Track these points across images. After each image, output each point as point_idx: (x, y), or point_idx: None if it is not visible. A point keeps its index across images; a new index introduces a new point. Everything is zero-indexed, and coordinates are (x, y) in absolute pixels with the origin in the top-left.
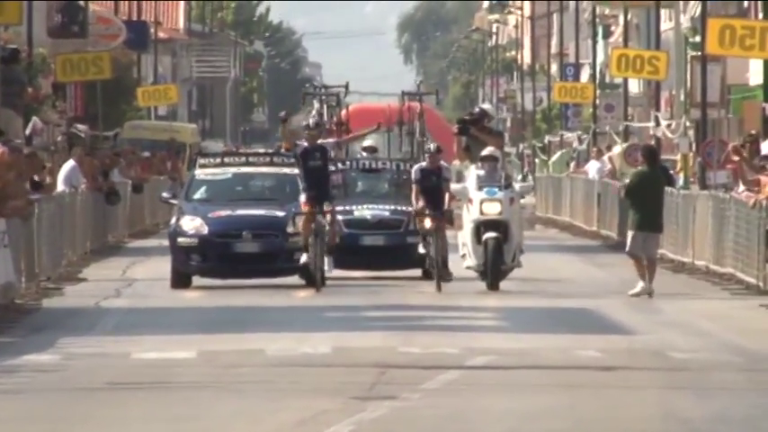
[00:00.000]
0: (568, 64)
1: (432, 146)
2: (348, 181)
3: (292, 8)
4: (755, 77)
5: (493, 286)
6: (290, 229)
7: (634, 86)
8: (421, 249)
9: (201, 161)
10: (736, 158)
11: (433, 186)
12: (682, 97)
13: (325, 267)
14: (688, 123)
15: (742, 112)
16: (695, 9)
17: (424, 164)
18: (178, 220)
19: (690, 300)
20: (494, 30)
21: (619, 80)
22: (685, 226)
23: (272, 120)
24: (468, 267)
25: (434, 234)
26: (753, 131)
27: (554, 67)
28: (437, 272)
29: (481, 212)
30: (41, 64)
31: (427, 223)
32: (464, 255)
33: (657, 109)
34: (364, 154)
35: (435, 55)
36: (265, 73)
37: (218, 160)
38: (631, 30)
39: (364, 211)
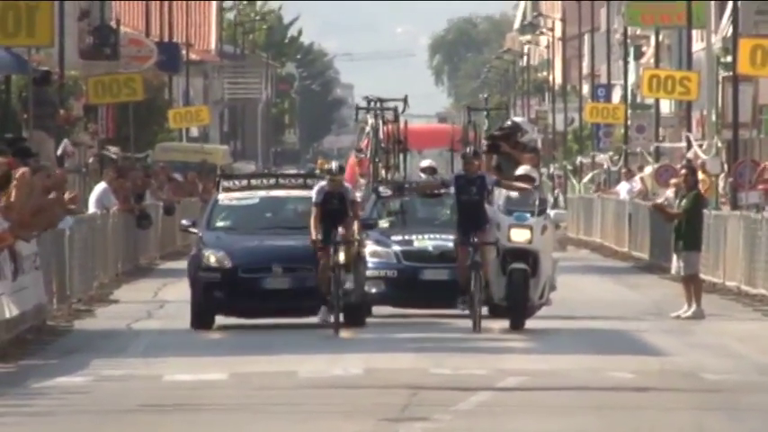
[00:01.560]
0: (600, 85)
1: (469, 149)
2: (406, 207)
3: (324, 30)
4: None
5: (516, 325)
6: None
7: (665, 107)
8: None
9: (225, 184)
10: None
11: (473, 202)
12: (713, 118)
13: (320, 315)
14: (720, 144)
15: None
16: (726, 29)
17: (461, 172)
18: (199, 251)
19: (721, 321)
20: (525, 51)
21: (650, 101)
22: (717, 247)
23: (304, 141)
24: (489, 299)
25: (476, 266)
26: None
27: (585, 88)
28: (477, 310)
29: (509, 239)
30: (73, 86)
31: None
32: (488, 285)
33: (689, 129)
34: (423, 175)
35: (467, 76)
36: (297, 95)
37: (244, 183)
38: (663, 50)
39: (425, 242)
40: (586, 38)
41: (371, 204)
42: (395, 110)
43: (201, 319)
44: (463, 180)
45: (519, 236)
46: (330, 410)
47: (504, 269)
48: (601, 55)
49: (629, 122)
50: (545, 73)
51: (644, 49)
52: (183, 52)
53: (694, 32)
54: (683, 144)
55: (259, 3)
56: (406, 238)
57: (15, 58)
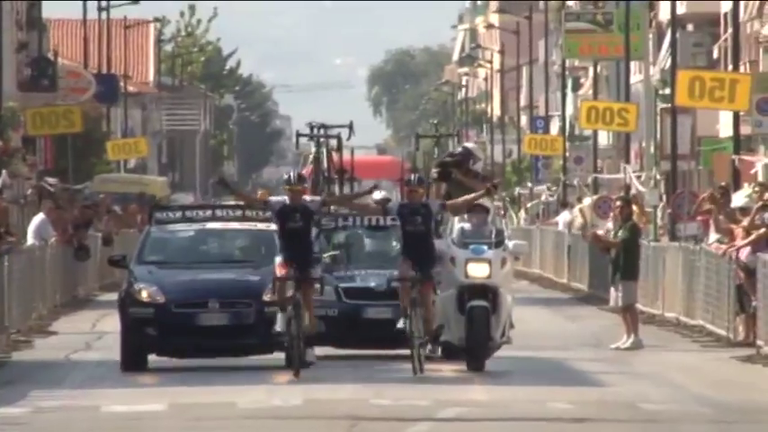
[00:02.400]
0: (538, 116)
1: (413, 176)
2: (351, 240)
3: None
4: (725, 129)
5: (476, 366)
6: (266, 297)
7: (604, 138)
8: (400, 324)
9: (158, 215)
10: (709, 207)
11: (418, 234)
12: (652, 149)
13: (309, 356)
14: (658, 175)
15: (712, 163)
16: (665, 61)
17: (404, 201)
18: (129, 286)
19: (660, 352)
20: (463, 82)
21: (588, 132)
22: (655, 277)
23: (243, 172)
24: (446, 342)
25: (415, 302)
26: (723, 183)
27: (524, 120)
28: (416, 351)
29: (466, 275)
30: (11, 117)
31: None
32: (441, 326)
33: (627, 161)
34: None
35: (405, 107)
36: (235, 126)
37: (179, 215)
38: (601, 82)
39: (368, 278)
40: (525, 70)
41: (313, 238)
42: (338, 137)
43: (132, 358)
44: (407, 210)
45: (477, 271)
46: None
47: (461, 307)
48: (539, 87)
49: (567, 154)
50: (483, 105)
51: (582, 80)
52: (122, 84)
53: (632, 64)
54: (622, 175)
55: (197, 34)
56: (349, 274)
57: None
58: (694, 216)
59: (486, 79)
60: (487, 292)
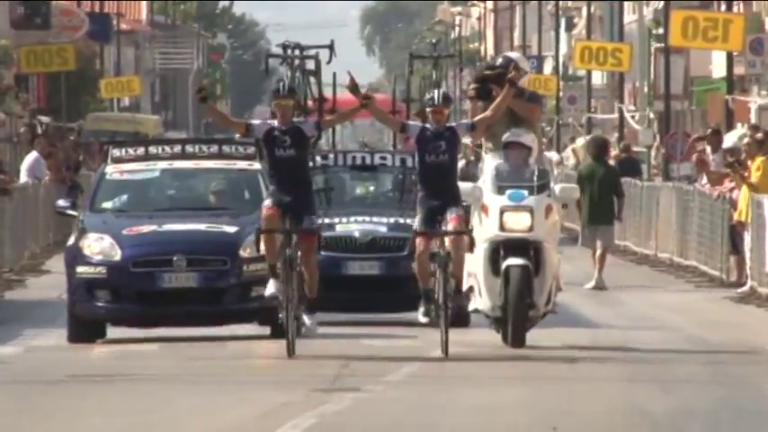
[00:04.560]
0: (531, 56)
1: (436, 93)
2: (331, 182)
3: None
4: (718, 70)
5: (515, 341)
6: (244, 253)
7: (597, 78)
8: (422, 318)
9: (115, 153)
10: (702, 147)
11: (441, 165)
12: (645, 89)
13: (308, 324)
14: (651, 115)
15: (705, 104)
16: (658, 1)
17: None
18: (78, 240)
19: (653, 292)
20: (457, 22)
21: (582, 72)
22: (648, 218)
23: (235, 111)
24: (475, 311)
25: (441, 260)
26: (713, 125)
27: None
28: (443, 319)
29: (501, 227)
30: (4, 55)
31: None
32: (470, 290)
33: (621, 101)
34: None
35: (398, 47)
36: (228, 65)
37: (140, 152)
38: (594, 22)
39: (351, 226)
40: (518, 9)
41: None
42: (316, 59)
43: (81, 329)
44: (429, 134)
45: (516, 222)
46: (261, 381)
47: (495, 267)
48: (532, 26)
49: (560, 94)
50: (477, 44)
51: (576, 20)
52: (115, 22)
53: (626, 4)
54: (615, 115)
55: None
56: (327, 221)
57: None
58: (687, 156)
59: (479, 19)
60: (528, 248)
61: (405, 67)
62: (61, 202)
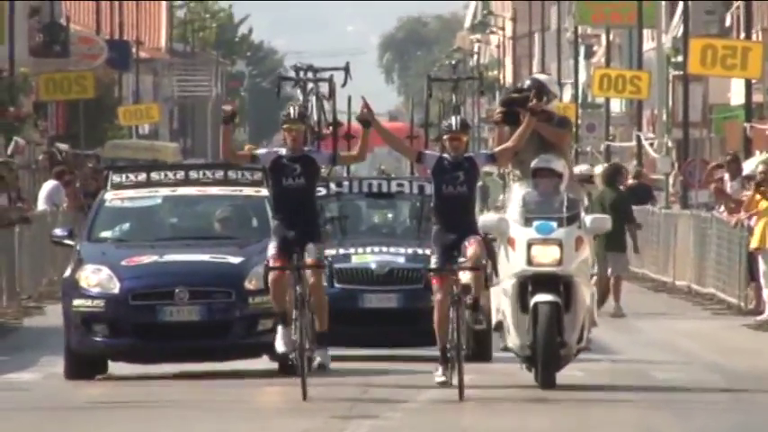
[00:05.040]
0: None
1: (453, 120)
2: (347, 211)
3: (274, 28)
4: (737, 97)
5: (545, 382)
6: (250, 284)
7: (616, 106)
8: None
9: (115, 179)
10: (720, 176)
11: (458, 198)
12: (664, 117)
13: (315, 363)
14: (670, 143)
15: (723, 131)
16: (677, 29)
17: (444, 153)
18: (74, 271)
19: (671, 319)
20: (475, 49)
21: (601, 100)
22: (666, 245)
23: (254, 139)
24: (505, 349)
25: (459, 300)
26: (731, 151)
27: None
28: (461, 367)
29: (529, 261)
30: (23, 83)
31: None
32: (499, 327)
33: (639, 128)
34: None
35: (417, 75)
36: (247, 92)
37: (142, 177)
38: (613, 49)
39: (367, 257)
40: (537, 37)
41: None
42: (331, 82)
43: (79, 365)
44: (446, 165)
45: (544, 256)
46: (279, 407)
47: (524, 304)
48: (551, 54)
49: (579, 121)
50: (495, 72)
51: (595, 48)
52: (134, 50)
53: (645, 32)
54: (634, 143)
55: (209, 1)
56: (342, 252)
57: None
58: (705, 184)
59: (498, 46)
60: (558, 283)
61: (423, 92)
62: (57, 232)
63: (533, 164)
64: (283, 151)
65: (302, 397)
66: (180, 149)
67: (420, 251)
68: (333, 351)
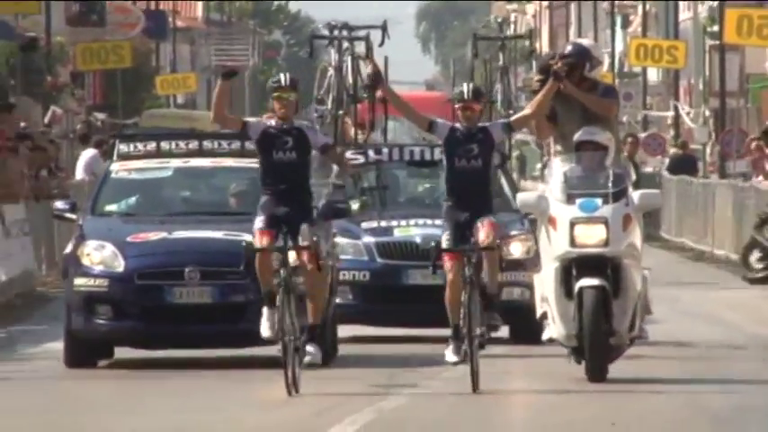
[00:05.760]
0: None
1: (465, 86)
2: (386, 181)
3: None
4: None
5: (594, 374)
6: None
7: (653, 75)
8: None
9: (123, 148)
10: (755, 147)
11: (472, 172)
12: (700, 87)
13: (307, 358)
14: (707, 113)
15: (760, 101)
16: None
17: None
18: (76, 247)
19: (710, 289)
20: (512, 19)
21: (637, 69)
22: (705, 215)
23: None
24: (549, 340)
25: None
26: None
27: None
28: (476, 356)
29: (572, 242)
30: (60, 52)
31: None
32: (544, 316)
33: (676, 98)
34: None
35: (453, 44)
36: (284, 61)
37: (151, 147)
38: (650, 19)
39: (411, 230)
40: (573, 6)
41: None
42: (368, 41)
43: (80, 350)
44: (459, 136)
45: (588, 236)
46: (316, 377)
47: (568, 289)
48: (588, 24)
49: None
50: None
51: (631, 18)
52: (170, 19)
53: (681, 2)
54: (671, 113)
55: None
56: (384, 225)
57: (2, 24)
58: (743, 155)
59: (534, 16)
60: (605, 265)
61: (460, 65)
62: (59, 204)
63: (576, 136)
64: (273, 122)
65: (287, 392)
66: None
67: None
68: (371, 330)
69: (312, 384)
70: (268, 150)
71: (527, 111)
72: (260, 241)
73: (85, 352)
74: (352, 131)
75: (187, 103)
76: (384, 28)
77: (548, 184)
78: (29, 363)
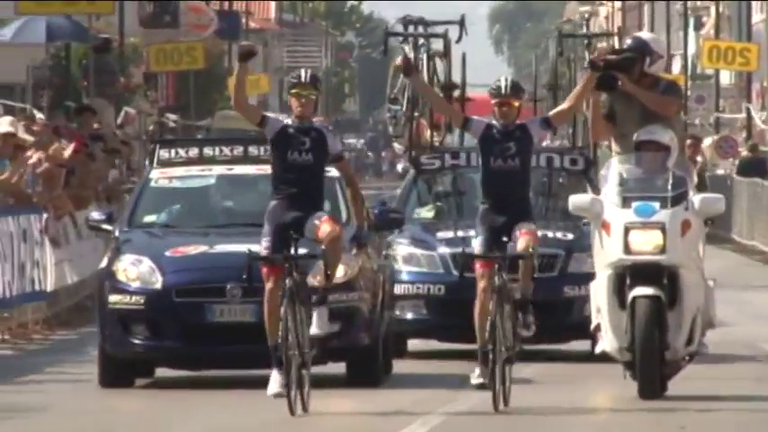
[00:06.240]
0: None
1: (503, 80)
2: (463, 187)
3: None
4: None
5: (644, 390)
6: (314, 280)
7: (725, 78)
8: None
9: (163, 154)
10: None
11: (509, 173)
12: None
13: (313, 328)
14: None
15: None
16: None
17: (493, 120)
18: (111, 262)
19: None
20: (585, 21)
21: (710, 71)
22: None
23: (364, 110)
24: (602, 353)
25: (503, 294)
26: None
27: None
28: (499, 372)
29: (627, 249)
30: (133, 54)
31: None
32: (597, 328)
33: (749, 100)
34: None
35: (526, 45)
36: (357, 63)
37: (193, 153)
38: (723, 21)
39: None
40: (646, 8)
41: (408, 184)
42: (445, 37)
43: (115, 370)
44: (495, 134)
45: (644, 242)
46: (386, 379)
47: (622, 299)
48: (660, 25)
49: (689, 93)
50: (605, 44)
51: (704, 19)
52: (243, 20)
53: (754, 3)
54: (743, 115)
55: None
56: (461, 235)
57: (76, 25)
58: None
59: (606, 18)
60: (661, 275)
61: (532, 64)
62: (94, 215)
63: (636, 136)
64: (290, 121)
65: (290, 411)
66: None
67: (550, 234)
68: (450, 347)
69: (382, 385)
70: (283, 150)
71: (565, 105)
72: (267, 278)
73: (121, 372)
74: (427, 134)
75: (259, 105)
76: (462, 23)
77: (604, 185)
78: (90, 366)
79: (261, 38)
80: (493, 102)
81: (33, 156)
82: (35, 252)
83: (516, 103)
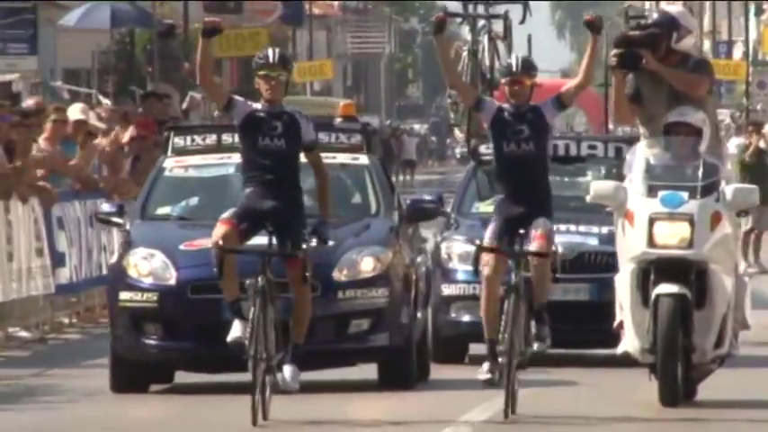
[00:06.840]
0: (721, 41)
1: (515, 58)
2: None
3: None
4: None
5: (664, 395)
6: (341, 275)
7: None
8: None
9: (179, 142)
10: None
11: (523, 158)
12: None
13: (286, 377)
14: None
15: None
16: None
17: (504, 104)
18: (122, 257)
19: None
20: (646, 7)
21: None
22: None
23: (427, 96)
24: (624, 353)
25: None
26: None
27: (707, 45)
28: (511, 376)
29: (651, 242)
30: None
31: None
32: (620, 326)
33: None
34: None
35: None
36: (420, 49)
37: (211, 140)
38: None
39: None
40: None
41: (467, 176)
42: (506, 18)
43: (126, 372)
44: (506, 116)
45: (670, 235)
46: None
47: (645, 296)
48: (722, 12)
49: (750, 79)
50: None
51: (765, 6)
52: (307, 6)
53: None
54: None
55: None
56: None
57: (140, 12)
58: None
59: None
60: (688, 271)
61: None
62: (104, 207)
63: (666, 117)
64: (259, 105)
65: (252, 421)
66: (354, 106)
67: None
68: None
69: (409, 390)
70: (253, 136)
71: (574, 81)
72: (217, 233)
73: (134, 376)
74: None
75: (323, 90)
76: (525, 3)
77: (628, 172)
78: None
79: (324, 24)
80: (503, 81)
81: (102, 142)
82: (102, 237)
83: (528, 82)
